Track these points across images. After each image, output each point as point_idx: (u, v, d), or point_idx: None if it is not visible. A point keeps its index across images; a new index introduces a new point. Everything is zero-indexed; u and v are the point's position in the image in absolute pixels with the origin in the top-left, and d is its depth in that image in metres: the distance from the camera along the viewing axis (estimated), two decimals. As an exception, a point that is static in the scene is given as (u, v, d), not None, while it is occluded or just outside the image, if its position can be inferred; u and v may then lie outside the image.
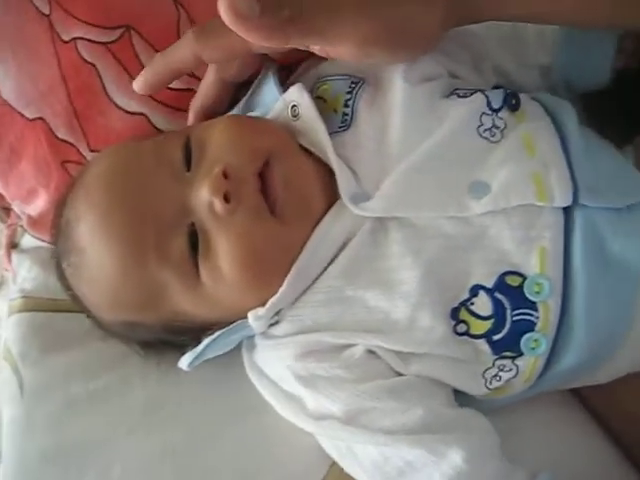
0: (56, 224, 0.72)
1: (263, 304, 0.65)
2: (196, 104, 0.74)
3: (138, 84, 0.69)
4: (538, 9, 0.63)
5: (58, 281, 0.74)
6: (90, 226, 0.66)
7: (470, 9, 0.62)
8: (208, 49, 0.65)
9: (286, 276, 0.64)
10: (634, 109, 0.81)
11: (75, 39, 0.77)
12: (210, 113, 0.73)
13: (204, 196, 0.63)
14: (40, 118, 0.80)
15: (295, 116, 0.69)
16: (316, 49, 0.62)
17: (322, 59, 0.72)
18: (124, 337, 0.74)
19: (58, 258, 0.72)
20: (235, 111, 0.75)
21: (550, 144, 0.65)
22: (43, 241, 0.86)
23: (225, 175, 0.62)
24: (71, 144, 0.81)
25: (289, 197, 0.64)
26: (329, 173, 0.67)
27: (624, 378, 0.68)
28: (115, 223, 0.65)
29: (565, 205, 0.62)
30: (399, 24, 0.60)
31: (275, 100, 0.71)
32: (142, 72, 0.69)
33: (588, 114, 0.70)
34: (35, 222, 0.87)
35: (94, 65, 0.78)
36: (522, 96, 0.69)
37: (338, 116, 0.68)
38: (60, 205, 0.72)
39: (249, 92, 0.75)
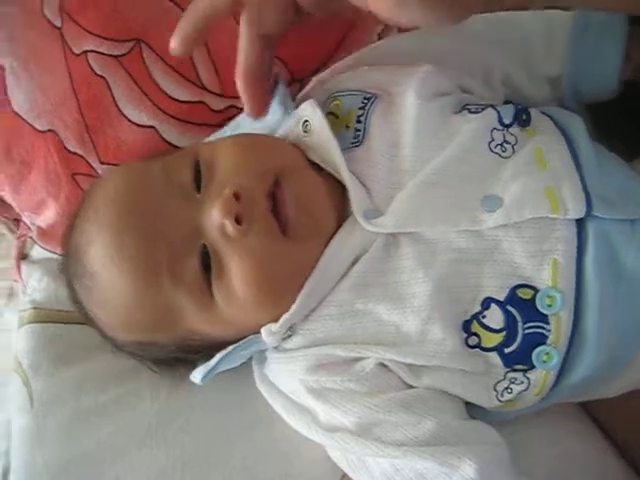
0: (66, 247, 0.72)
1: (276, 320, 0.65)
2: (240, 67, 0.68)
3: (172, 43, 0.65)
4: None
5: (71, 302, 0.74)
6: (102, 249, 0.66)
7: None
8: None
9: (298, 292, 0.64)
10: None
11: (86, 52, 0.78)
12: (254, 72, 0.68)
13: (215, 218, 0.63)
14: (51, 130, 0.81)
15: (307, 132, 0.69)
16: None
17: (332, 73, 0.73)
18: (138, 356, 0.74)
19: (70, 280, 0.72)
20: (242, 116, 0.75)
21: (561, 157, 0.65)
22: (53, 252, 0.86)
23: (236, 196, 0.63)
24: (81, 156, 0.81)
25: (300, 217, 0.64)
26: (340, 188, 0.67)
27: (636, 391, 0.68)
28: (127, 246, 0.65)
29: (579, 216, 0.62)
30: None
31: (286, 115, 0.71)
32: (176, 28, 0.65)
33: (597, 128, 0.70)
34: (45, 233, 0.87)
35: (105, 78, 0.78)
36: (532, 111, 0.70)
37: (350, 132, 0.69)
38: (69, 228, 0.72)
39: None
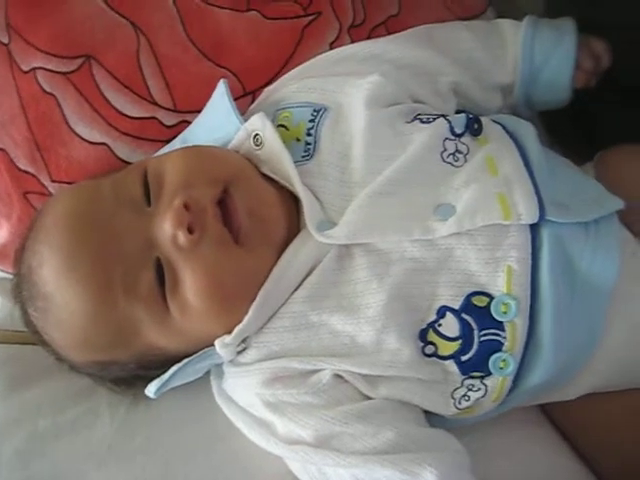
0: (17, 269, 0.71)
1: (230, 332, 0.64)
2: None
3: None
4: None
5: (24, 325, 0.73)
6: (54, 270, 0.65)
7: None
8: None
9: (252, 303, 0.64)
10: (592, 127, 0.82)
11: (35, 69, 0.77)
12: None
13: (167, 229, 0.63)
14: (0, 149, 0.79)
15: (258, 145, 0.69)
16: None
17: (282, 85, 0.73)
18: (97, 377, 0.73)
19: (23, 303, 0.71)
20: (190, 130, 0.76)
21: (512, 163, 0.66)
22: (7, 272, 0.85)
23: (186, 207, 0.62)
24: (32, 175, 0.80)
25: (252, 224, 0.64)
26: (292, 200, 0.67)
27: (596, 394, 0.69)
28: (80, 265, 0.64)
29: (533, 221, 0.63)
30: None
31: (236, 129, 0.71)
32: None
33: (548, 133, 0.71)
34: (-2, 254, 0.86)
35: (54, 95, 0.78)
36: (484, 120, 0.70)
37: (301, 145, 0.69)
38: (20, 250, 0.71)
39: (201, 114, 0.76)
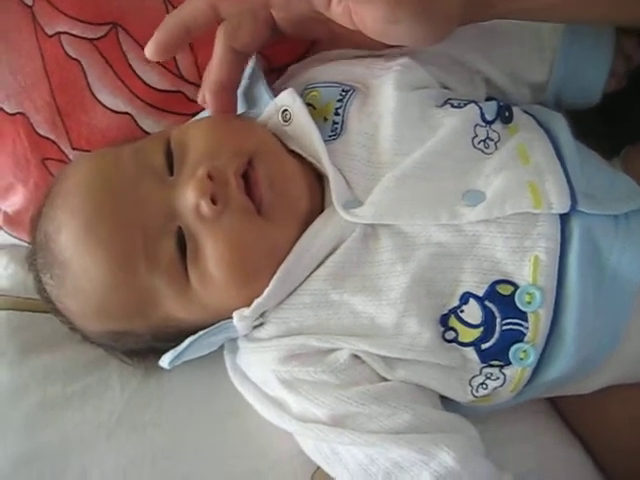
0: (33, 236, 0.71)
1: (249, 305, 0.64)
2: (210, 79, 0.68)
3: (149, 49, 0.65)
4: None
5: (38, 294, 0.72)
6: (73, 236, 0.64)
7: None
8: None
9: (272, 277, 0.63)
10: (620, 122, 0.82)
11: (59, 33, 0.76)
12: (225, 87, 0.68)
13: (190, 199, 0.62)
14: (20, 113, 0.78)
15: (286, 121, 0.68)
16: (338, 12, 0.62)
17: (309, 65, 0.72)
18: (110, 347, 0.73)
19: (37, 272, 0.71)
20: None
21: (544, 152, 0.65)
22: (20, 239, 0.84)
23: (210, 177, 0.62)
24: (52, 141, 0.79)
25: (274, 197, 0.64)
26: (316, 178, 0.67)
27: (611, 388, 0.69)
28: (100, 232, 0.64)
29: (564, 211, 0.62)
30: None
31: (266, 103, 0.70)
32: (154, 35, 0.65)
33: (575, 127, 0.70)
34: (12, 220, 0.85)
35: (79, 61, 0.76)
36: (515, 109, 0.70)
37: (328, 124, 0.68)
38: (37, 216, 0.70)
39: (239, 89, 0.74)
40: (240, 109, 0.71)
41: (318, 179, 0.67)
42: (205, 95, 0.68)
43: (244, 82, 0.72)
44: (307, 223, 0.65)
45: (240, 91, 0.71)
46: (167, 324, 0.67)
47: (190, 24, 0.65)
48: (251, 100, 0.72)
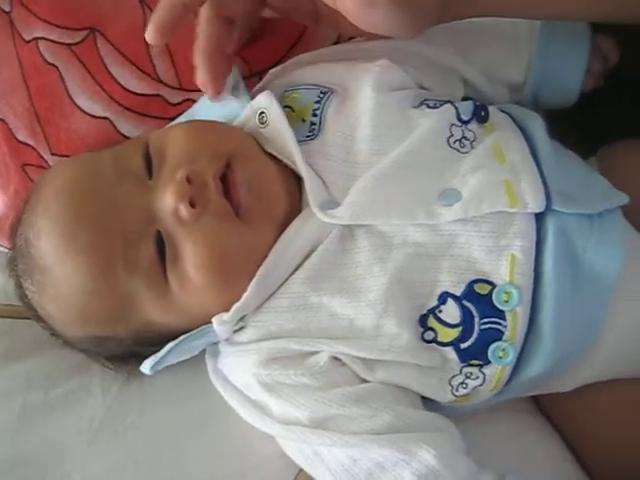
0: (13, 242, 0.71)
1: (228, 310, 0.64)
2: (199, 46, 0.67)
3: (149, 33, 0.63)
4: None
5: (19, 300, 0.72)
6: (53, 242, 0.64)
7: None
8: None
9: (251, 281, 0.63)
10: (597, 121, 0.82)
11: (37, 39, 0.76)
12: (213, 52, 0.68)
13: (169, 203, 0.63)
14: (0, 119, 0.78)
15: (263, 123, 0.68)
16: None
17: (289, 68, 0.73)
18: (92, 352, 0.73)
19: (18, 278, 0.70)
20: (196, 107, 0.75)
21: (520, 152, 0.66)
22: (0, 246, 0.84)
23: (188, 180, 0.62)
24: (32, 147, 0.79)
25: (253, 199, 0.64)
26: (295, 180, 0.67)
27: (593, 385, 0.70)
28: (79, 237, 0.64)
29: (539, 210, 0.62)
30: None
31: (242, 106, 0.70)
32: (151, 18, 0.63)
33: (552, 126, 0.71)
34: (-8, 226, 0.84)
35: (56, 67, 0.77)
36: (491, 108, 0.70)
37: (306, 125, 0.68)
38: (16, 222, 0.70)
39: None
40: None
41: (297, 181, 0.67)
42: (196, 60, 0.68)
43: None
44: (285, 225, 0.65)
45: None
46: (147, 329, 0.67)
47: (186, 1, 0.63)
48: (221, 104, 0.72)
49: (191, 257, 0.62)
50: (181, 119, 0.75)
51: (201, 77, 0.68)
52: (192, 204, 0.62)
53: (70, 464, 0.70)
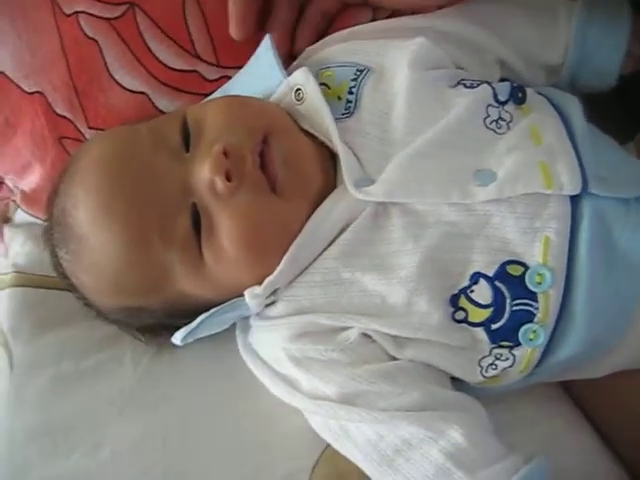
0: (50, 212, 0.71)
1: (261, 283, 0.64)
2: (236, 11, 0.72)
3: (232, 30, 0.70)
4: None
5: (54, 270, 0.73)
6: (90, 212, 0.65)
7: None
8: None
9: (284, 255, 0.64)
10: (634, 106, 0.81)
11: (77, 13, 0.76)
12: (245, 15, 0.72)
13: (205, 175, 0.63)
14: (39, 92, 0.79)
15: (299, 100, 0.69)
16: None
17: (324, 46, 0.73)
18: (123, 323, 0.73)
19: (53, 247, 0.71)
20: (232, 82, 0.76)
21: (557, 134, 0.65)
22: (37, 217, 0.85)
23: (225, 154, 0.62)
24: (69, 120, 0.80)
25: (288, 174, 0.64)
26: (330, 157, 0.67)
27: (626, 373, 0.69)
28: (117, 207, 0.64)
29: (575, 193, 0.62)
30: None
31: (278, 82, 0.70)
32: (229, 13, 0.70)
33: (590, 109, 0.70)
34: (29, 198, 0.85)
35: (96, 41, 0.77)
36: (528, 90, 0.69)
37: (342, 103, 0.68)
38: (53, 193, 0.71)
39: (244, 67, 0.75)
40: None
41: (331, 158, 0.67)
42: (231, 26, 0.72)
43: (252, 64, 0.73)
44: (320, 201, 0.65)
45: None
46: (180, 300, 0.67)
47: None
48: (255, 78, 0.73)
49: (226, 230, 0.63)
50: (216, 94, 0.76)
51: (230, 20, 0.72)
52: (228, 178, 0.62)
53: (100, 433, 0.72)
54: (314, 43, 0.75)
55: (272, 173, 0.64)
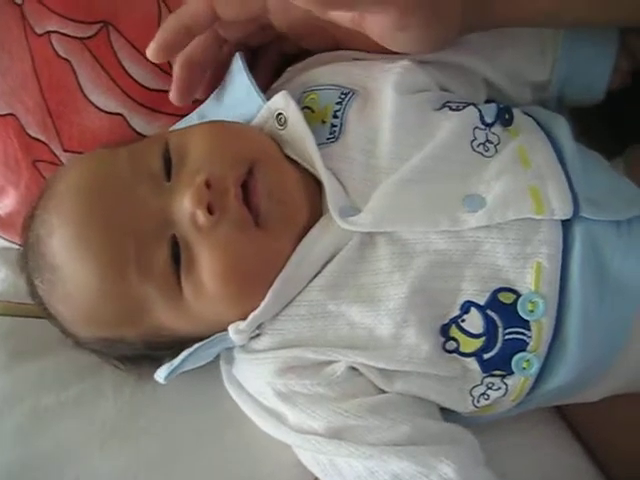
0: (25, 239, 0.69)
1: (244, 317, 0.63)
2: (184, 51, 0.70)
3: (150, 50, 0.67)
4: (549, 8, 0.64)
5: (30, 297, 0.71)
6: (65, 241, 0.63)
7: (484, 10, 0.63)
8: (223, 3, 0.65)
9: (269, 289, 0.62)
10: (624, 121, 0.80)
11: (49, 32, 0.74)
12: (194, 64, 0.71)
13: (186, 207, 0.61)
14: (11, 114, 0.76)
15: (281, 125, 0.66)
16: (347, 19, 0.63)
17: (307, 67, 0.71)
18: (102, 354, 0.71)
19: (29, 274, 0.69)
20: (209, 104, 0.73)
21: (546, 156, 0.64)
22: (12, 242, 0.83)
23: (207, 185, 0.60)
24: (43, 143, 0.77)
25: (273, 207, 0.62)
26: (315, 184, 0.65)
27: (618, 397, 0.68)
28: (92, 237, 0.62)
29: (566, 217, 0.61)
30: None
31: (258, 107, 0.68)
32: (155, 36, 0.67)
33: (577, 127, 0.69)
34: (4, 222, 0.83)
35: (69, 61, 0.75)
36: (515, 111, 0.68)
37: (326, 127, 0.66)
38: (28, 218, 0.69)
39: (220, 88, 0.73)
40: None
41: (317, 185, 0.65)
42: (174, 67, 0.70)
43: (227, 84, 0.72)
44: (305, 231, 0.63)
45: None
46: (159, 333, 0.66)
47: (191, 25, 0.67)
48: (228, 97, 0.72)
49: (207, 265, 0.61)
50: (193, 116, 0.74)
51: (173, 84, 0.71)
52: (210, 210, 0.60)
53: (82, 468, 0.70)
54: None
55: (256, 206, 0.62)
